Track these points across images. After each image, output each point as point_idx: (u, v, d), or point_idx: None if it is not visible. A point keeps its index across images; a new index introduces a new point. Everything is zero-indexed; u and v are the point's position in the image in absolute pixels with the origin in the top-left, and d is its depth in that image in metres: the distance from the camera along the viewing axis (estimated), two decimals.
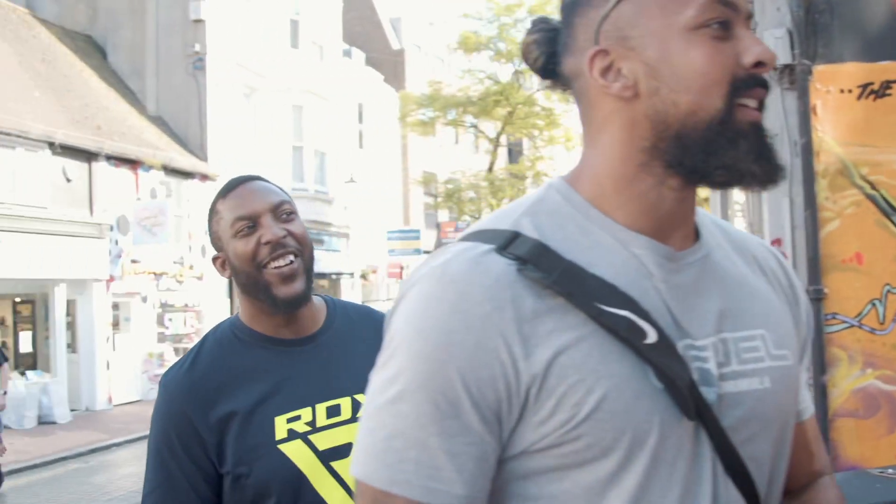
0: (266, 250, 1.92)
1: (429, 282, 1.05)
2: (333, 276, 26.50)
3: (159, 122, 20.86)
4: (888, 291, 4.72)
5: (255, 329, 2.00)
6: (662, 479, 1.03)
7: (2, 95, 16.18)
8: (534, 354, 1.00)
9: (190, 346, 19.70)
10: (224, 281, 21.20)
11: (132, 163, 18.41)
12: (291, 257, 1.93)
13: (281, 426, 1.90)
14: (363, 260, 28.05)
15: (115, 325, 18.42)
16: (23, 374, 15.87)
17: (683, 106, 1.04)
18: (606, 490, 1.02)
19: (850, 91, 4.89)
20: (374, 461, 1.02)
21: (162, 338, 19.58)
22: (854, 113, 4.88)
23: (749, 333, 1.13)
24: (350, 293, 27.75)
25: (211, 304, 20.55)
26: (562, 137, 30.59)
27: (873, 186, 4.83)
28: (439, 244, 32.29)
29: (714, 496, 1.05)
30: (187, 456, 1.89)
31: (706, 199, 10.20)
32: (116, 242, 17.94)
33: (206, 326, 20.05)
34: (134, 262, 18.39)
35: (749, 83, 1.04)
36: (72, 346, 17.39)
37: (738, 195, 12.35)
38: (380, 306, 23.60)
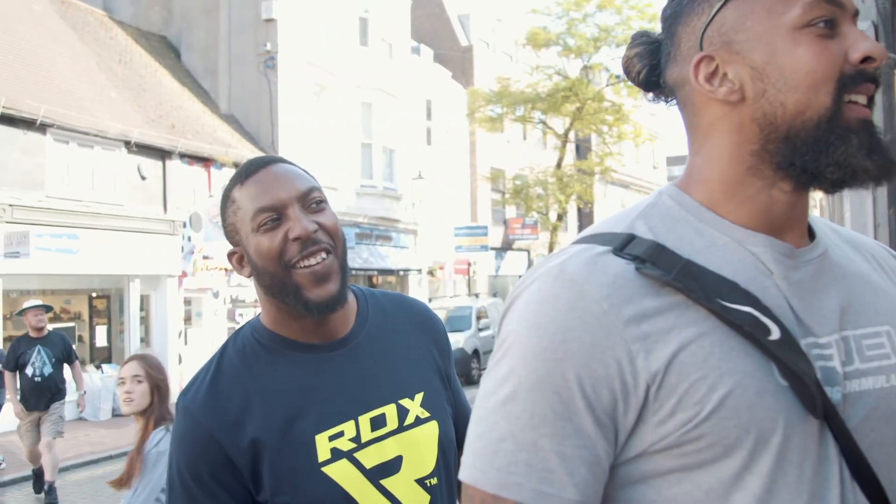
0: (295, 247, 1.65)
1: (545, 281, 1.05)
2: (401, 273, 26.64)
3: (231, 120, 21.19)
4: None
5: (281, 334, 1.74)
6: (790, 482, 1.00)
7: (80, 96, 16.63)
8: (654, 352, 0.99)
9: None
10: None
11: (205, 160, 18.74)
12: (324, 254, 1.67)
13: (323, 446, 1.65)
14: (430, 256, 28.12)
15: (187, 319, 18.78)
16: (98, 367, 16.29)
17: (791, 106, 1.04)
18: (730, 493, 1.00)
19: None
20: (484, 464, 1.01)
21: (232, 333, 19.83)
22: None
23: (874, 330, 1.11)
24: (417, 290, 27.84)
25: None
26: (631, 133, 30.25)
27: None
28: (506, 241, 32.25)
29: (842, 501, 1.01)
30: (219, 486, 1.63)
31: None
32: (189, 239, 18.27)
33: None
34: (206, 258, 18.70)
35: (857, 79, 1.04)
36: (145, 341, 17.77)
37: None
38: (446, 303, 23.69)
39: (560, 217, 30.44)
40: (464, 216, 30.72)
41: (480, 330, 21.94)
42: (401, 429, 1.73)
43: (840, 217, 5.86)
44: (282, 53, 21.26)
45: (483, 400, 1.05)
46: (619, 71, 34.87)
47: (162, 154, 17.64)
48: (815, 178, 1.06)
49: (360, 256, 23.77)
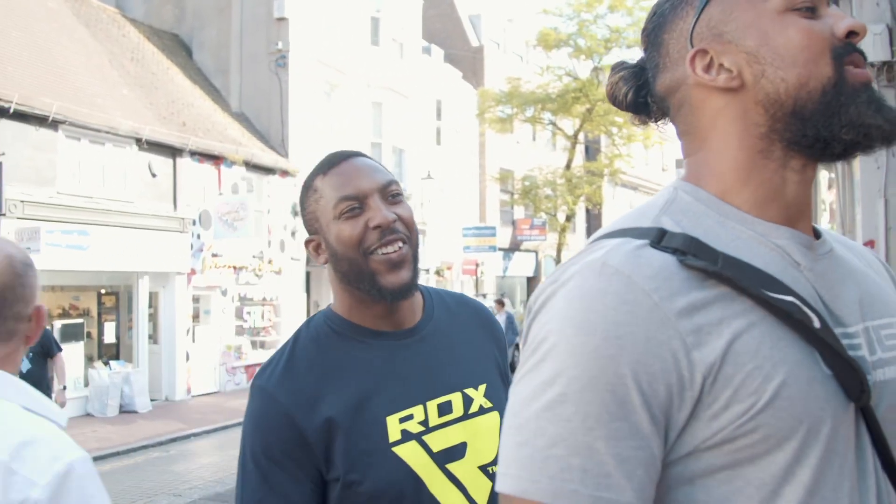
0: (375, 235, 1.73)
1: (587, 276, 1.01)
2: None
3: (242, 118, 21.26)
4: None
5: (354, 321, 1.81)
6: (835, 472, 0.99)
7: (92, 93, 16.71)
8: (707, 343, 0.97)
9: (267, 339, 20.10)
10: (301, 276, 21.53)
11: (215, 158, 18.81)
12: (400, 244, 1.75)
13: (394, 427, 1.71)
14: (438, 256, 28.15)
15: (196, 317, 18.84)
16: (106, 363, 16.34)
17: (793, 80, 1.07)
18: (781, 486, 0.98)
19: None
20: (534, 473, 0.96)
21: (240, 331, 19.94)
22: None
23: (888, 321, 1.14)
24: None
25: (288, 298, 20.88)
26: (640, 135, 30.21)
27: None
28: (514, 242, 32.25)
29: (878, 491, 1.03)
30: (294, 464, 1.67)
31: None
32: (198, 237, 18.35)
33: (284, 320, 20.38)
34: (215, 255, 18.78)
35: (847, 50, 1.08)
36: (153, 338, 17.85)
37: (825, 193, 12.07)
38: None
39: (569, 218, 30.42)
40: (472, 216, 30.75)
41: None
42: (465, 416, 1.79)
43: (851, 220, 5.87)
44: (293, 52, 21.32)
45: (522, 407, 1.00)
46: None
47: (173, 151, 17.70)
48: (828, 145, 1.08)
49: None
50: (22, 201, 14.21)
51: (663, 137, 32.38)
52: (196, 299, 18.85)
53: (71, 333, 15.39)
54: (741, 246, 1.06)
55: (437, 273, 28.42)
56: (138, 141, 16.70)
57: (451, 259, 29.25)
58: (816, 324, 1.00)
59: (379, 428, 1.71)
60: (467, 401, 1.81)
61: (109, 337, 17.31)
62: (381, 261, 1.73)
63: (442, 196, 28.17)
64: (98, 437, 13.56)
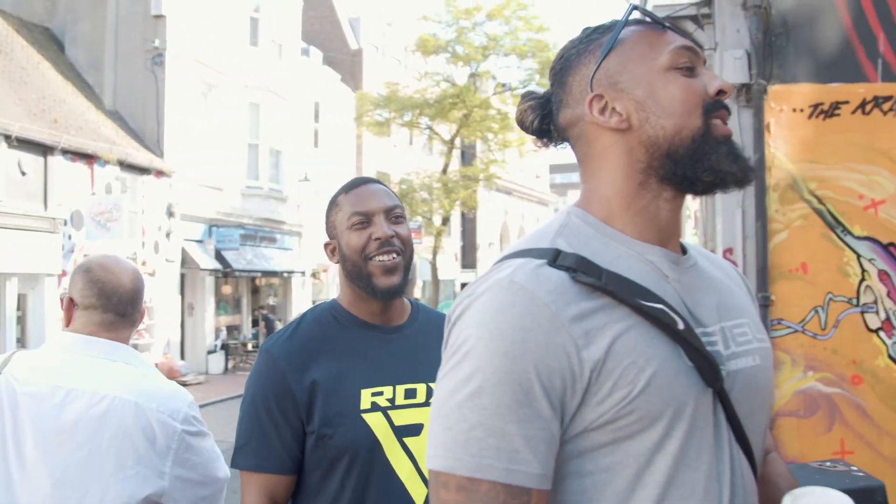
0: (375, 245, 2.19)
1: (497, 291, 1.22)
2: (285, 275, 26.51)
3: (116, 116, 20.74)
4: (830, 300, 5.04)
5: (352, 313, 2.26)
6: (696, 444, 1.23)
7: None
8: (594, 344, 1.18)
9: (140, 342, 19.68)
10: (176, 278, 21.19)
11: (88, 157, 18.27)
12: (395, 255, 2.21)
13: (366, 398, 2.12)
14: (314, 259, 28.07)
15: None
16: None
17: (670, 128, 1.31)
18: (653, 456, 1.20)
19: (801, 110, 5.18)
20: (458, 452, 1.16)
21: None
22: (805, 131, 5.16)
23: (739, 322, 1.39)
24: (300, 292, 27.76)
25: (162, 300, 20.50)
26: (515, 141, 30.79)
27: (820, 201, 5.12)
28: None
29: (731, 458, 1.27)
30: (281, 413, 2.11)
31: None
32: (70, 237, 17.82)
33: (157, 323, 20.03)
34: (87, 256, 18.28)
35: (716, 107, 1.32)
36: (21, 341, 17.20)
37: (690, 203, 12.64)
38: None
39: (444, 222, 30.76)
40: None
41: None
42: (426, 403, 2.17)
43: (713, 229, 6.28)
44: (170, 50, 20.94)
45: (446, 399, 1.20)
46: (506, 79, 35.05)
47: (43, 149, 17.11)
48: (692, 183, 1.32)
49: (243, 258, 23.57)
50: None
51: (537, 147, 32.90)
52: None
53: None
54: (621, 263, 1.29)
55: (314, 275, 28.32)
56: (7, 138, 16.09)
57: (327, 261, 29.10)
58: (680, 325, 1.23)
59: (353, 396, 2.12)
60: (430, 392, 2.17)
61: None
62: (377, 266, 2.20)
63: (319, 198, 28.09)
64: None
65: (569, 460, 1.22)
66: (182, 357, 21.70)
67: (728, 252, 5.34)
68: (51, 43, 21.21)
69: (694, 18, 5.96)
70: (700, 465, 1.22)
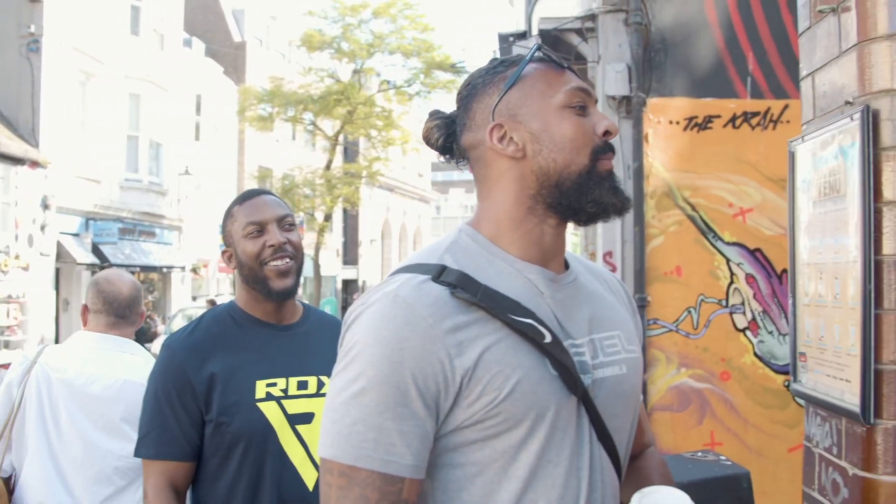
0: (269, 251, 2.40)
1: (384, 303, 1.35)
2: (164, 270, 25.97)
3: None
4: (702, 301, 5.36)
5: (249, 313, 2.47)
6: (557, 443, 1.37)
7: None
8: (465, 353, 1.32)
9: (13, 339, 19.01)
10: (51, 272, 20.53)
11: None
12: (288, 259, 2.42)
13: (261, 388, 2.32)
14: (195, 254, 27.58)
15: None
16: None
17: (560, 162, 1.44)
18: (517, 452, 1.35)
19: (677, 123, 5.49)
20: (341, 442, 1.31)
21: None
22: (680, 142, 5.47)
23: (610, 334, 1.53)
24: (180, 288, 27.24)
25: (36, 295, 19.82)
26: (399, 139, 30.89)
27: (693, 208, 5.45)
28: None
29: (591, 456, 1.42)
30: (181, 404, 2.29)
31: None
32: None
33: (31, 319, 19.35)
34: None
35: (604, 148, 1.46)
36: None
37: None
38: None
39: (327, 218, 30.66)
40: None
41: None
42: (317, 394, 2.39)
43: (594, 233, 6.56)
44: (47, 37, 20.20)
45: (335, 395, 1.35)
46: (391, 77, 34.84)
47: None
48: (576, 213, 1.46)
49: (122, 252, 23.01)
50: None
51: (420, 143, 33.17)
52: None
53: None
54: (502, 280, 1.43)
55: (194, 271, 27.82)
56: None
57: (207, 257, 28.73)
58: (548, 339, 1.38)
59: (249, 386, 2.32)
60: (321, 384, 2.41)
61: None
62: (272, 270, 2.41)
63: (199, 192, 27.61)
64: None
65: (443, 454, 1.37)
66: None
67: (608, 255, 5.60)
68: None
69: (579, 32, 6.17)
70: (561, 461, 1.38)
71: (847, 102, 1.94)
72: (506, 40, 8.23)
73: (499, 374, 1.33)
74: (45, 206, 20.20)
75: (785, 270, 5.31)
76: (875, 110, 1.84)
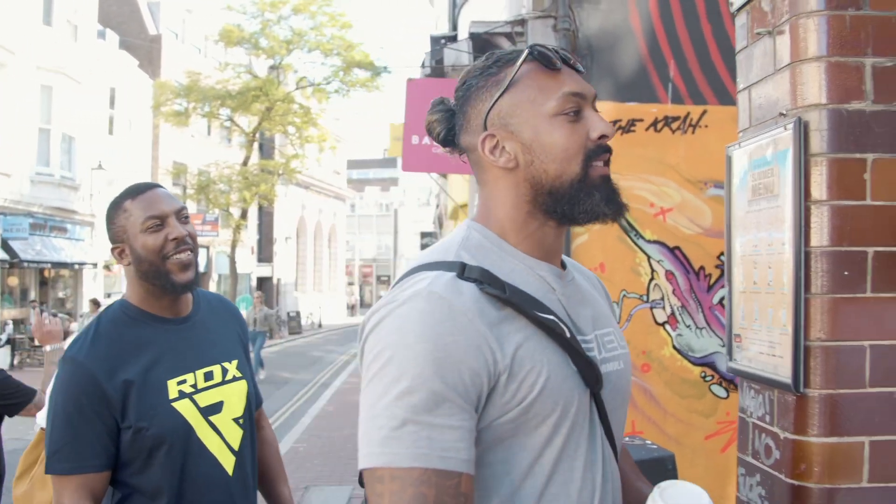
0: (172, 245, 2.35)
1: (417, 301, 1.31)
2: (76, 266, 25.43)
3: None
4: (624, 296, 5.50)
5: (143, 309, 2.40)
6: (575, 437, 1.38)
7: None
8: (504, 349, 1.30)
9: None
10: None
11: None
12: (189, 252, 2.38)
13: (173, 388, 2.31)
14: (106, 250, 27.02)
15: None
16: None
17: (552, 172, 1.42)
18: (544, 448, 1.35)
19: None
20: (392, 446, 1.24)
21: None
22: None
23: (607, 331, 1.55)
24: (92, 285, 26.73)
25: None
26: (316, 137, 30.82)
27: None
28: None
29: (602, 448, 1.43)
30: (94, 414, 2.21)
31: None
32: None
33: None
34: None
35: (598, 151, 1.44)
36: None
37: None
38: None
39: (243, 214, 30.46)
40: None
41: None
42: (223, 382, 2.44)
43: None
44: None
45: (374, 402, 1.28)
46: (309, 74, 34.47)
47: None
48: (572, 220, 1.45)
49: (32, 248, 22.49)
50: None
51: (337, 141, 33.01)
52: None
53: None
54: (516, 276, 1.42)
55: (106, 267, 27.33)
56: None
57: None
58: (567, 334, 1.38)
59: (162, 388, 2.30)
60: (224, 371, 2.45)
61: None
62: (175, 263, 2.36)
63: (113, 187, 27.10)
64: None
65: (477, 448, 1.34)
66: None
67: None
68: None
69: (508, 36, 6.31)
70: (579, 455, 1.39)
71: (781, 114, 2.16)
72: (437, 42, 8.37)
73: (531, 370, 1.32)
74: None
75: (703, 267, 5.56)
76: (806, 121, 2.07)
